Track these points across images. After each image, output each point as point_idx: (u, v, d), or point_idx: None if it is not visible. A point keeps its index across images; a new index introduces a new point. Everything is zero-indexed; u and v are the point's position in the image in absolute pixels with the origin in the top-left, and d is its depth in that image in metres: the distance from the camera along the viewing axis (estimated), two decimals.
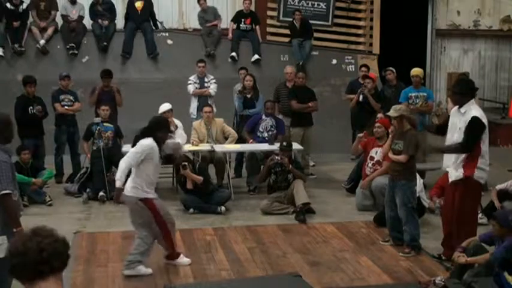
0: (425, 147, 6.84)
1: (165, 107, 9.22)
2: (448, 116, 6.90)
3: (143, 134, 6.32)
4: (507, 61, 16.08)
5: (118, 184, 6.21)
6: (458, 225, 6.45)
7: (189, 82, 10.96)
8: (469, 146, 6.30)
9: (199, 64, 11.04)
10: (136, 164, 6.21)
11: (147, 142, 6.22)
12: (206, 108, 9.93)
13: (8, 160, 4.62)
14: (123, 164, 6.23)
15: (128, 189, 6.23)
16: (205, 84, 10.92)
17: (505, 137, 13.69)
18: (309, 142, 10.62)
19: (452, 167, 6.49)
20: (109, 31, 12.82)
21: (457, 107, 6.50)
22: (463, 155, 6.36)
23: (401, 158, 6.83)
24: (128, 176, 6.32)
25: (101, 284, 6.16)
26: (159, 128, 6.35)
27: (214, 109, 10.25)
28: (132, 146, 6.40)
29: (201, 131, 9.82)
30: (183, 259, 6.61)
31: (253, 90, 10.58)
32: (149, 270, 6.34)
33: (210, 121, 9.88)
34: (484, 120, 6.33)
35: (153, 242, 6.43)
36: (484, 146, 6.36)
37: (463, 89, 6.46)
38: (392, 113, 6.92)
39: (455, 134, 6.42)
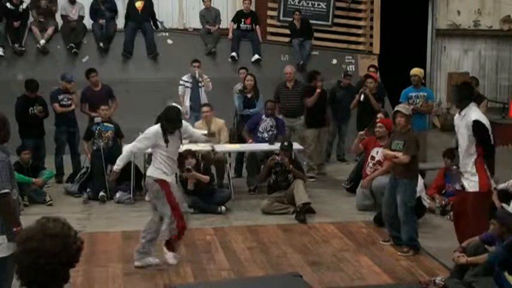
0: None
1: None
2: (448, 118, 6.94)
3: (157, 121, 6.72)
4: (507, 61, 16.06)
5: (115, 168, 6.69)
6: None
7: (181, 83, 10.84)
8: (489, 147, 6.33)
9: (194, 64, 10.87)
10: (144, 148, 6.70)
11: (151, 128, 6.54)
12: (205, 108, 9.91)
13: (5, 159, 4.59)
14: (127, 147, 6.74)
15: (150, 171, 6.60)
16: (199, 85, 10.85)
17: (505, 137, 13.66)
18: (323, 142, 10.72)
19: (464, 176, 6.42)
20: (109, 31, 12.81)
21: (458, 111, 6.54)
22: (467, 163, 6.32)
23: (404, 158, 6.84)
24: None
25: (101, 284, 6.16)
26: (166, 119, 6.48)
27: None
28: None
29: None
30: (171, 257, 6.55)
31: (253, 90, 10.57)
32: (157, 260, 6.55)
33: (209, 120, 9.87)
34: (485, 122, 6.32)
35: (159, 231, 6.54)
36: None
37: (460, 93, 6.51)
38: (405, 110, 7.08)
39: (459, 136, 6.45)
